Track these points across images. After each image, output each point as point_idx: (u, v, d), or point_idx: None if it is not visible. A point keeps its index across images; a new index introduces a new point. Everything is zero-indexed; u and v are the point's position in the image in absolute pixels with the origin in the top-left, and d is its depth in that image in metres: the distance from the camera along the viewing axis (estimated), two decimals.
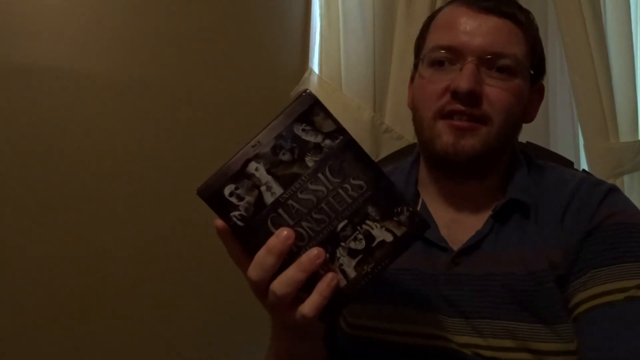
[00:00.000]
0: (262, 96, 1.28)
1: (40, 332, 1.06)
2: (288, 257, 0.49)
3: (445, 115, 0.68)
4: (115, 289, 1.13)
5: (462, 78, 0.66)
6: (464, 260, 0.69)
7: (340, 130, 0.49)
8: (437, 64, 0.70)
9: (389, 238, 0.50)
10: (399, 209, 0.50)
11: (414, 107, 0.75)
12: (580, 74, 1.27)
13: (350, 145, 0.49)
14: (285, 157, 0.49)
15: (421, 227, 0.51)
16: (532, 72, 0.72)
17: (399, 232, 0.51)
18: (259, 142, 0.49)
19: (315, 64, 1.33)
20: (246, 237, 0.49)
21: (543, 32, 1.47)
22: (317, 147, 0.49)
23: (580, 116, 1.29)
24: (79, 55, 1.11)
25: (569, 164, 1.00)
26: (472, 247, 0.69)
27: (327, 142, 0.49)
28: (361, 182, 0.50)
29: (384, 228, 0.50)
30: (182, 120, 1.21)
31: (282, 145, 0.49)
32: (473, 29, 0.69)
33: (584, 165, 1.35)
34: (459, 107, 0.67)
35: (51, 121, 1.09)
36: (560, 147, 1.42)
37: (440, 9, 0.76)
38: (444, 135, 0.68)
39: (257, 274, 0.49)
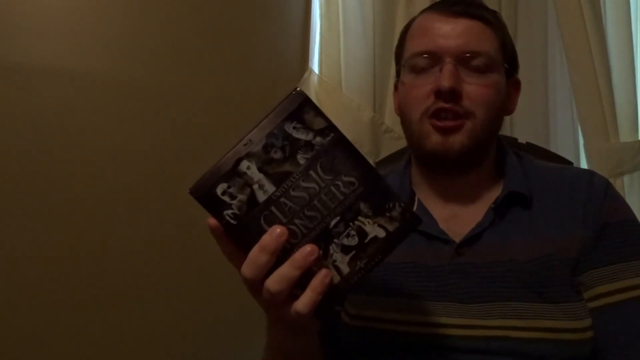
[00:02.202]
0: (262, 96, 1.28)
1: (41, 332, 1.06)
2: (281, 255, 0.49)
3: (431, 115, 0.72)
4: (115, 289, 1.13)
5: (444, 78, 0.70)
6: (467, 251, 0.71)
7: (330, 127, 0.49)
8: (418, 69, 0.75)
9: (381, 234, 0.51)
10: (391, 205, 0.51)
11: (401, 112, 0.79)
12: (580, 74, 1.27)
13: (340, 142, 0.50)
14: (277, 155, 0.49)
15: (413, 222, 0.51)
16: (506, 66, 0.77)
17: (391, 228, 0.51)
18: (250, 140, 0.49)
19: (315, 64, 1.33)
20: (239, 235, 0.50)
21: (543, 32, 1.48)
22: (308, 145, 0.49)
23: (580, 116, 1.29)
24: (79, 55, 1.11)
25: (569, 164, 1.00)
26: (474, 238, 0.72)
27: (318, 139, 0.49)
28: (352, 179, 0.50)
29: (376, 224, 0.51)
30: (182, 120, 1.21)
31: (274, 144, 0.49)
32: (447, 32, 0.74)
33: (584, 165, 1.35)
34: (443, 105, 0.71)
35: (51, 121, 1.09)
36: (560, 147, 1.42)
37: (414, 19, 0.81)
38: (433, 136, 0.72)
39: (251, 271, 0.49)
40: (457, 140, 0.71)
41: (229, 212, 0.49)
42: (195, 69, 1.23)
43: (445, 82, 0.70)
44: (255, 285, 0.50)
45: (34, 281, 1.06)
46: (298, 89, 0.49)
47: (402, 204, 0.51)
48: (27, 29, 1.07)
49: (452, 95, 0.71)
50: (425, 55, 0.74)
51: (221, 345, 1.23)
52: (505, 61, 0.77)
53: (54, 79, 1.09)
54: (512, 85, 0.80)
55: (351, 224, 0.50)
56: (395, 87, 0.84)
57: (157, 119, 1.18)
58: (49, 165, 1.08)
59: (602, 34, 1.27)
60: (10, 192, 1.05)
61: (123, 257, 1.14)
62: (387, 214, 0.51)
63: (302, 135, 0.49)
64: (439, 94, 0.71)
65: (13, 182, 1.05)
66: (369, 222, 0.50)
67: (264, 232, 0.49)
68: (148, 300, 1.16)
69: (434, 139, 0.72)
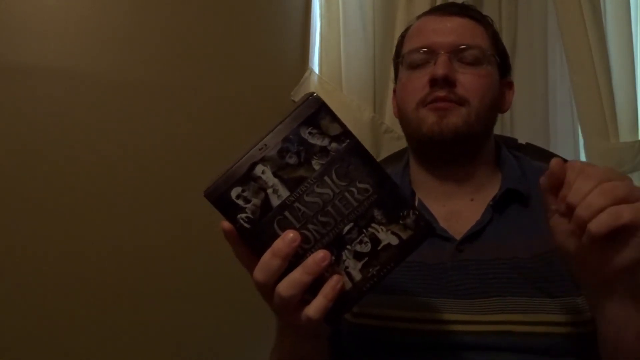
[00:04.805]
0: (262, 96, 1.28)
1: (42, 332, 1.06)
2: (294, 260, 0.49)
3: (427, 103, 0.76)
4: (116, 289, 1.13)
5: (438, 67, 0.75)
6: (467, 248, 0.73)
7: (346, 133, 0.49)
8: (414, 65, 0.79)
9: (394, 241, 0.51)
10: (405, 213, 0.51)
11: (398, 108, 0.82)
12: (580, 74, 1.27)
13: (356, 148, 0.50)
14: (292, 160, 0.49)
15: (427, 230, 0.51)
16: (498, 60, 0.80)
17: (404, 236, 0.51)
18: (265, 145, 0.49)
19: (315, 64, 1.33)
20: (252, 239, 0.49)
21: (543, 32, 1.48)
22: (324, 151, 0.49)
23: (580, 116, 1.29)
24: (79, 55, 1.11)
25: None
26: (475, 235, 0.73)
27: (334, 145, 0.49)
28: (367, 186, 0.50)
29: (389, 231, 0.51)
30: (182, 120, 1.21)
31: (289, 149, 0.49)
32: (441, 29, 0.79)
33: None
34: (438, 93, 0.74)
35: (51, 121, 1.08)
36: (560, 147, 1.42)
37: (410, 25, 0.86)
38: (429, 119, 0.75)
39: (263, 276, 0.49)
40: (452, 121, 0.74)
41: (243, 215, 0.49)
42: (195, 69, 1.22)
43: (440, 70, 0.74)
44: (268, 290, 0.50)
45: (35, 282, 1.06)
46: (315, 94, 0.49)
47: (417, 212, 0.51)
48: (27, 29, 1.07)
49: (446, 82, 0.74)
50: (421, 51, 0.78)
51: (227, 348, 1.23)
52: (498, 57, 0.80)
53: (54, 79, 1.09)
54: (506, 85, 0.83)
55: (364, 230, 0.50)
56: (394, 92, 0.86)
57: (156, 119, 1.18)
58: (49, 165, 1.08)
59: (602, 34, 1.27)
60: (10, 192, 1.05)
61: (124, 257, 1.14)
62: (401, 222, 0.51)
63: (317, 141, 0.49)
64: (434, 82, 0.74)
65: (13, 182, 1.05)
66: (382, 230, 0.50)
67: (277, 236, 0.49)
68: (152, 301, 1.16)
69: (430, 120, 0.74)
